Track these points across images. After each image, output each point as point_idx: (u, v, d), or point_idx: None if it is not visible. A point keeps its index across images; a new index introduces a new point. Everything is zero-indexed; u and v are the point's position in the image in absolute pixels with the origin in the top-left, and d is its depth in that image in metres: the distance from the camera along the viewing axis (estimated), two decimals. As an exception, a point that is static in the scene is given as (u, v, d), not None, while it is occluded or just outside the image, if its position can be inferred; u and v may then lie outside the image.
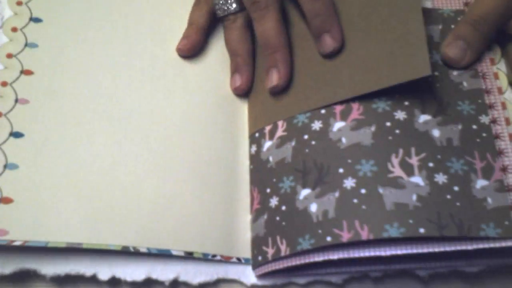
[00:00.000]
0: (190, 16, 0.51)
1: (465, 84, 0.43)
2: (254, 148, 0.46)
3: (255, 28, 0.47)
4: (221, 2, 0.48)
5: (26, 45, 0.48)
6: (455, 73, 0.44)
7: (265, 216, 0.42)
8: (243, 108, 0.49)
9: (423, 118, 0.42)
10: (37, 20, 0.49)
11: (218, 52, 0.51)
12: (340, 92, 0.44)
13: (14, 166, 0.42)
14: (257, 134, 0.46)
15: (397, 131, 0.41)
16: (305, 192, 0.41)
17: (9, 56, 0.47)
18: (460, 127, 0.41)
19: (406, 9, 0.44)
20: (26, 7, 0.49)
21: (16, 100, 0.45)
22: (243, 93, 0.49)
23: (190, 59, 0.49)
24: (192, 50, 0.49)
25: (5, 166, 0.42)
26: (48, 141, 0.44)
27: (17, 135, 0.44)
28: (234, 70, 0.49)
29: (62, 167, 0.43)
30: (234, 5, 0.48)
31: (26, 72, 0.46)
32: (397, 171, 0.39)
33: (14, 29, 0.48)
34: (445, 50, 0.44)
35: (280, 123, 0.44)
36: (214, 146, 0.46)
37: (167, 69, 0.49)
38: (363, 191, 0.39)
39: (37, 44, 0.48)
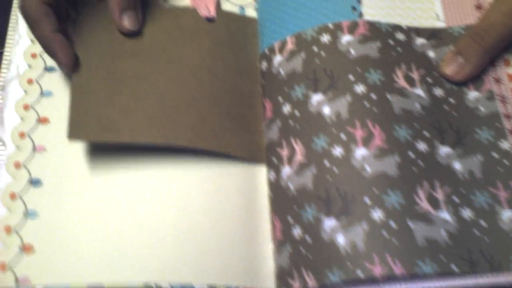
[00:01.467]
0: None
1: (481, 108, 0.44)
2: (272, 174, 0.45)
3: None
4: None
5: (41, 94, 0.47)
6: (470, 97, 0.44)
7: (289, 248, 0.41)
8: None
9: (444, 150, 0.42)
10: (51, 69, 0.49)
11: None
12: (176, 138, 0.44)
13: (34, 214, 0.42)
14: (275, 160, 0.45)
15: (421, 163, 0.41)
16: (330, 222, 0.40)
17: (26, 107, 0.47)
18: (480, 157, 0.42)
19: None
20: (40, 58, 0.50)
21: (34, 149, 0.45)
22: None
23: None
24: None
25: (25, 215, 0.42)
26: (66, 185, 0.43)
27: (35, 182, 0.43)
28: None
29: (81, 210, 0.42)
30: None
31: (42, 120, 0.46)
32: (425, 205, 0.39)
33: (30, 81, 0.48)
34: (443, 66, 0.45)
35: (298, 147, 0.43)
36: (231, 173, 0.45)
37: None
38: (392, 224, 0.39)
39: (52, 92, 0.47)
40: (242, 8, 0.51)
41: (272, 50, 0.48)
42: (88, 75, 0.45)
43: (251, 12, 0.51)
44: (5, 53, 0.51)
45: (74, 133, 0.42)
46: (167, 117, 0.44)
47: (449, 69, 0.44)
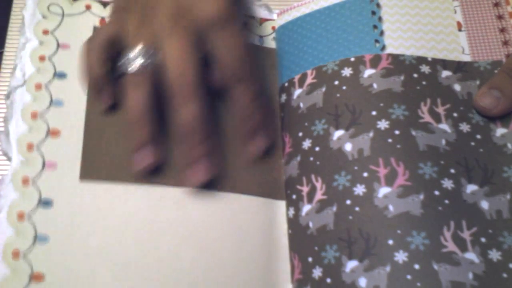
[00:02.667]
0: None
1: (509, 146, 0.42)
2: (291, 211, 0.43)
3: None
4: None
5: (51, 102, 0.44)
6: (497, 134, 0.43)
7: (309, 289, 0.40)
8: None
9: (470, 188, 0.40)
10: (61, 75, 0.46)
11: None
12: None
13: (44, 238, 0.40)
14: (294, 196, 0.43)
15: (447, 202, 0.39)
16: (352, 264, 0.39)
17: (34, 115, 0.43)
18: (508, 197, 0.40)
19: None
20: (49, 62, 0.46)
21: (44, 164, 0.42)
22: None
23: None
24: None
25: (35, 239, 0.40)
26: (79, 207, 0.41)
27: (46, 203, 0.41)
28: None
29: (95, 238, 0.40)
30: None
31: (52, 133, 0.43)
32: (451, 246, 0.38)
33: (38, 86, 0.45)
34: (477, 100, 0.43)
35: (318, 184, 0.42)
36: (250, 208, 0.43)
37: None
38: (416, 266, 0.37)
39: (63, 102, 0.45)
40: (261, 38, 0.51)
41: (292, 83, 0.47)
42: (102, 112, 0.44)
43: (270, 43, 0.51)
44: (5, 53, 0.49)
45: (86, 173, 0.42)
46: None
47: (485, 102, 0.43)
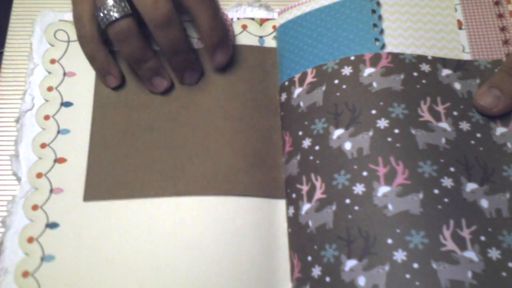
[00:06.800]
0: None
1: (509, 145, 0.42)
2: (291, 210, 0.43)
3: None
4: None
5: (58, 132, 0.47)
6: (497, 133, 0.43)
7: None
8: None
9: (470, 186, 0.40)
10: (67, 104, 0.48)
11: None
12: (187, 190, 0.44)
13: (50, 258, 0.42)
14: (294, 195, 0.43)
15: (446, 200, 0.39)
16: (351, 263, 0.39)
17: (43, 146, 0.46)
18: (508, 195, 0.40)
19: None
20: (57, 91, 0.49)
21: (51, 191, 0.44)
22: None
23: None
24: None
25: (42, 259, 0.42)
26: (83, 228, 0.43)
27: (52, 225, 0.43)
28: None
29: (98, 255, 0.42)
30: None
31: (59, 160, 0.45)
32: (450, 245, 0.38)
33: (46, 117, 0.47)
34: (477, 99, 0.43)
35: (318, 183, 0.42)
36: (249, 208, 0.43)
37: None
38: (415, 265, 0.37)
39: (69, 129, 0.47)
40: (261, 38, 0.51)
41: (292, 82, 0.47)
42: (105, 133, 0.46)
43: (271, 42, 0.51)
44: (5, 53, 0.50)
45: (89, 195, 0.44)
46: (179, 169, 0.45)
47: (485, 101, 0.43)
